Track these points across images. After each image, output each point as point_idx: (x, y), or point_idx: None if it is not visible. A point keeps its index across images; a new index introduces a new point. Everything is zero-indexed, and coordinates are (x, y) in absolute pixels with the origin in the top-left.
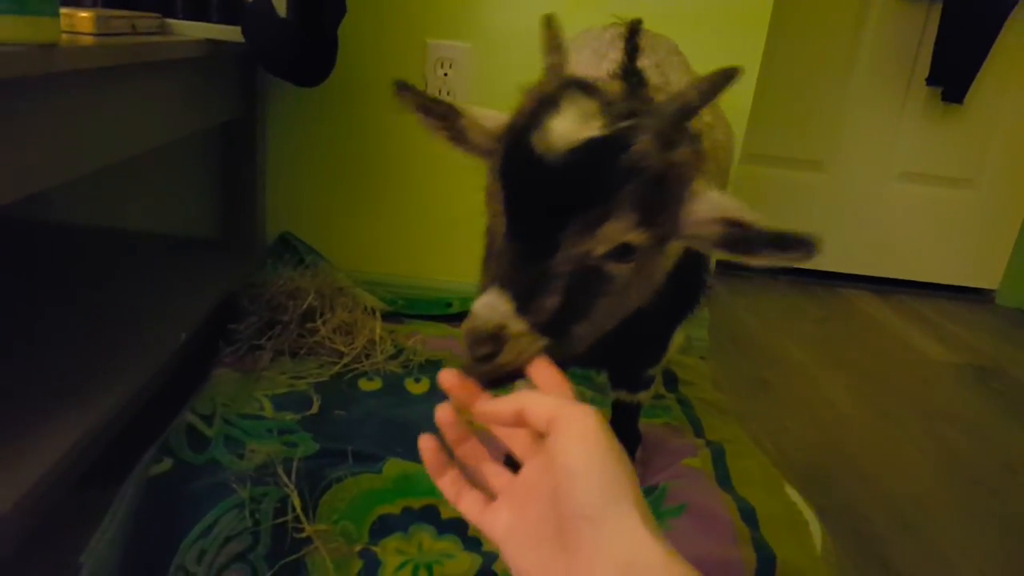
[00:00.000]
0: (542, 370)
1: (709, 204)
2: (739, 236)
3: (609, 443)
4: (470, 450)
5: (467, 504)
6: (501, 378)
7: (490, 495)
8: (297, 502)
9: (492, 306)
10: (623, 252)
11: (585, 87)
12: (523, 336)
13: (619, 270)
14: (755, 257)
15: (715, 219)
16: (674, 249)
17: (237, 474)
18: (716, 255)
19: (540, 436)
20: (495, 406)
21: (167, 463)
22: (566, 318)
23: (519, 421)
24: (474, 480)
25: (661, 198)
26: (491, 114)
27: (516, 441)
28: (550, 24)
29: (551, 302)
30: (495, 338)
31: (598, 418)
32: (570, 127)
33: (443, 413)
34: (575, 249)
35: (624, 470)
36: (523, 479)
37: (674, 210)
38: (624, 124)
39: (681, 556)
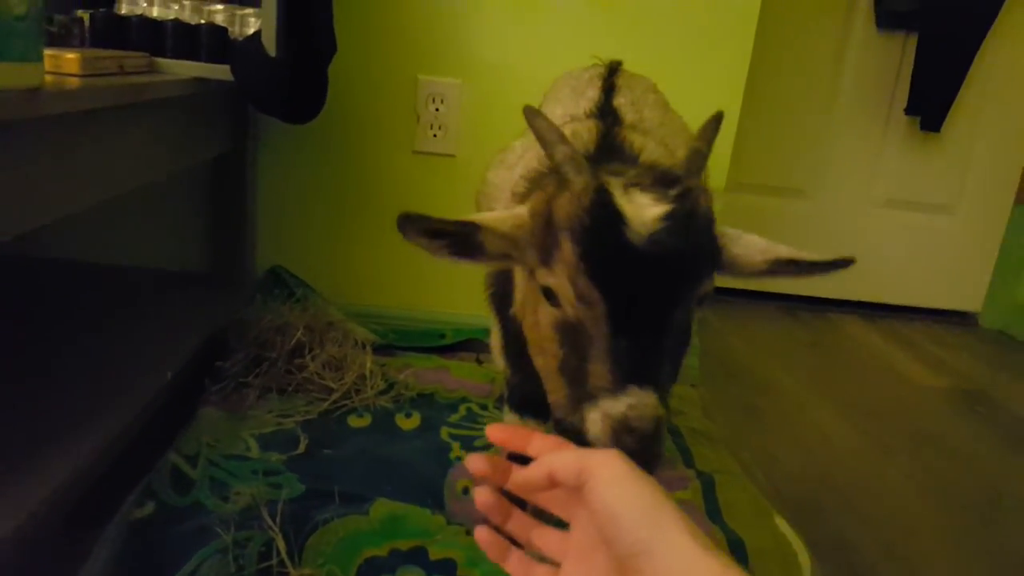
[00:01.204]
0: (534, 438)
1: (755, 247)
2: (787, 270)
3: (640, 477)
4: (518, 524)
5: None
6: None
7: (554, 562)
8: (282, 546)
9: (645, 405)
10: (700, 302)
11: (611, 170)
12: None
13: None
14: (782, 276)
15: (765, 261)
16: None
17: (221, 517)
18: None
19: (576, 490)
20: (527, 477)
21: (150, 507)
22: (672, 378)
23: (552, 484)
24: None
25: (716, 243)
26: (503, 216)
27: (554, 502)
28: (534, 113)
29: (666, 375)
30: (658, 435)
31: (622, 458)
32: (645, 207)
33: (484, 498)
34: (681, 317)
35: (662, 497)
36: (577, 539)
37: (723, 253)
38: (677, 191)
39: (736, 564)
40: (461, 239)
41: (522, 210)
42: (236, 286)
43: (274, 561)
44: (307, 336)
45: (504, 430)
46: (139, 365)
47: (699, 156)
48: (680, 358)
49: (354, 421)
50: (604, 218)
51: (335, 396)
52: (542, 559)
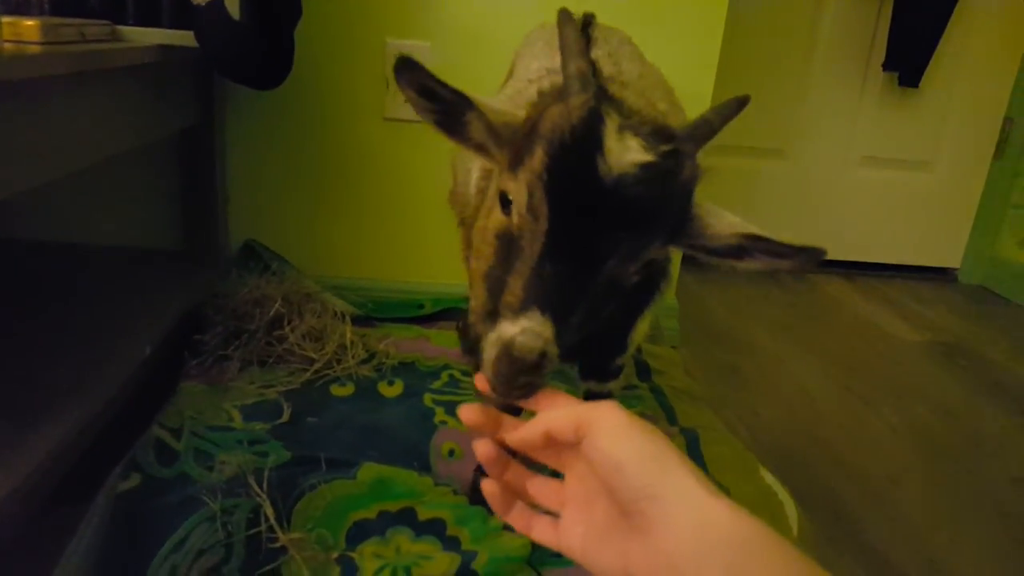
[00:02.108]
0: (505, 422)
1: (724, 222)
2: (751, 248)
3: (639, 425)
4: (515, 476)
5: (540, 532)
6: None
7: (554, 512)
8: (270, 512)
9: (536, 333)
10: (646, 266)
11: (612, 100)
12: (556, 359)
13: (635, 279)
14: (752, 262)
15: (733, 235)
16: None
17: (208, 487)
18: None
19: (572, 446)
20: (525, 436)
21: (135, 479)
22: (581, 328)
23: (547, 442)
24: (526, 500)
25: (684, 215)
26: (502, 110)
27: (546, 454)
28: (568, 21)
29: (577, 319)
30: (539, 366)
31: (619, 408)
32: (629, 150)
33: (485, 450)
34: (618, 274)
35: (663, 444)
36: (574, 489)
37: (690, 226)
38: (667, 148)
39: (743, 508)
40: (451, 109)
41: (522, 113)
42: (211, 261)
43: (263, 527)
44: (285, 308)
45: (477, 412)
46: (117, 341)
47: (706, 126)
48: (603, 313)
49: (337, 390)
50: (584, 140)
51: (316, 366)
52: (540, 510)
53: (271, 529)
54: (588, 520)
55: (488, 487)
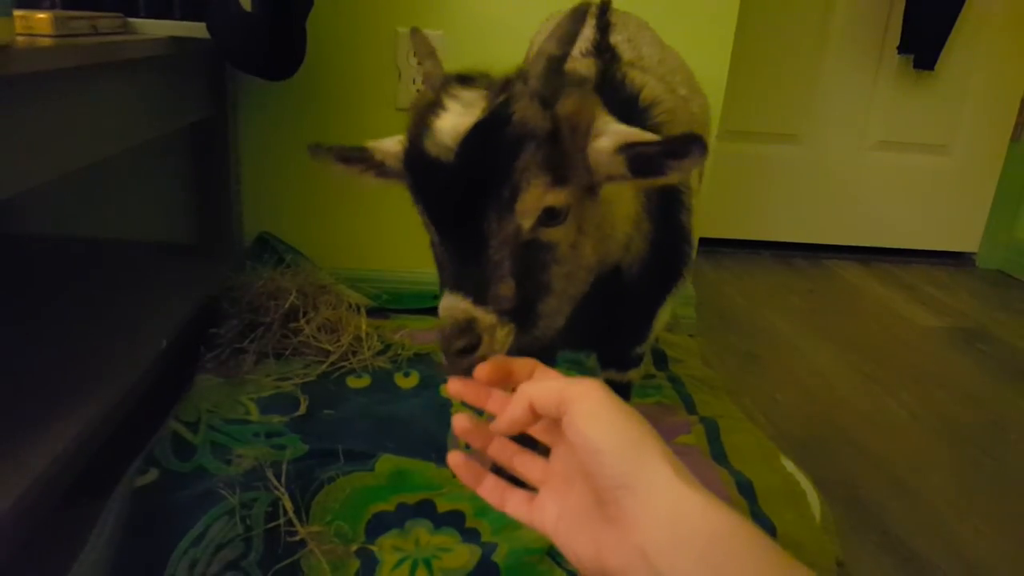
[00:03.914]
0: (513, 363)
1: (608, 138)
2: (640, 157)
3: (620, 409)
4: (499, 449)
5: (514, 506)
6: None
7: (533, 488)
8: (289, 505)
9: (453, 305)
10: (550, 216)
11: (464, 79)
12: (495, 327)
13: (557, 235)
14: (666, 174)
15: (616, 149)
16: (617, 193)
17: (225, 480)
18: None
19: (556, 422)
20: (509, 414)
21: (153, 473)
22: (528, 298)
23: (535, 416)
24: (513, 475)
25: (563, 153)
26: (398, 139)
27: (536, 429)
28: (416, 34)
29: (506, 288)
30: (468, 330)
31: (603, 388)
32: (453, 120)
33: (461, 423)
34: (503, 232)
35: (643, 430)
36: (557, 466)
37: (581, 159)
38: (499, 99)
39: (719, 499)
40: (365, 161)
41: None
42: (225, 254)
43: (281, 520)
44: (300, 300)
45: (461, 382)
46: (133, 335)
47: (549, 61)
48: (538, 272)
49: (353, 382)
50: (416, 131)
51: (332, 358)
52: (518, 484)
53: (290, 522)
54: (563, 501)
55: (453, 459)
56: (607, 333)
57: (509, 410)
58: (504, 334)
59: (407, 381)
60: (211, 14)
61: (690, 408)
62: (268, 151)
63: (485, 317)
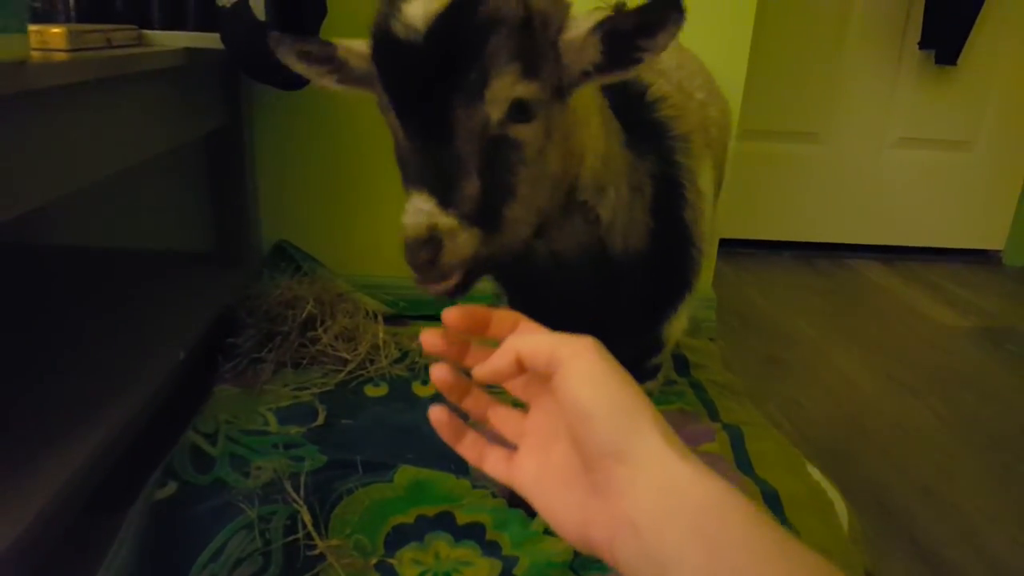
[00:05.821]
0: (492, 313)
1: (578, 26)
2: (615, 33)
3: (615, 372)
4: (475, 402)
5: (492, 464)
6: (452, 285)
7: (510, 445)
8: (308, 518)
9: (418, 210)
10: (520, 111)
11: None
12: (456, 231)
13: (526, 133)
14: (642, 60)
15: (591, 29)
16: (584, 115)
17: (244, 493)
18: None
19: (542, 377)
20: (493, 364)
21: (172, 486)
22: (492, 201)
23: (520, 369)
24: (489, 434)
25: (534, 44)
26: (365, 41)
27: (514, 384)
28: None
29: (471, 187)
30: (431, 240)
31: (598, 349)
32: (424, 3)
33: (440, 374)
34: (471, 122)
35: (636, 397)
36: (537, 424)
37: (553, 54)
38: None
39: (711, 470)
40: (327, 61)
41: None
42: (242, 263)
43: (300, 534)
44: (318, 309)
45: (438, 336)
46: (151, 346)
47: None
48: (504, 172)
49: (371, 390)
50: (385, 14)
51: (350, 367)
52: (497, 440)
53: (309, 536)
54: (543, 460)
55: (435, 414)
56: (609, 334)
57: (493, 359)
58: (466, 238)
59: (425, 389)
60: (225, 25)
61: (713, 415)
62: (284, 160)
63: (446, 220)
